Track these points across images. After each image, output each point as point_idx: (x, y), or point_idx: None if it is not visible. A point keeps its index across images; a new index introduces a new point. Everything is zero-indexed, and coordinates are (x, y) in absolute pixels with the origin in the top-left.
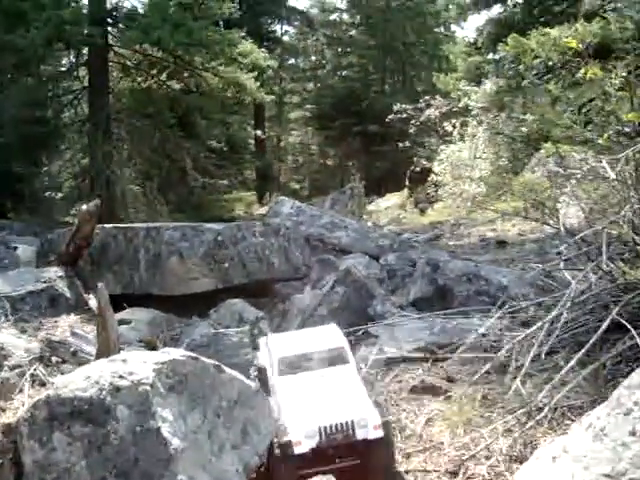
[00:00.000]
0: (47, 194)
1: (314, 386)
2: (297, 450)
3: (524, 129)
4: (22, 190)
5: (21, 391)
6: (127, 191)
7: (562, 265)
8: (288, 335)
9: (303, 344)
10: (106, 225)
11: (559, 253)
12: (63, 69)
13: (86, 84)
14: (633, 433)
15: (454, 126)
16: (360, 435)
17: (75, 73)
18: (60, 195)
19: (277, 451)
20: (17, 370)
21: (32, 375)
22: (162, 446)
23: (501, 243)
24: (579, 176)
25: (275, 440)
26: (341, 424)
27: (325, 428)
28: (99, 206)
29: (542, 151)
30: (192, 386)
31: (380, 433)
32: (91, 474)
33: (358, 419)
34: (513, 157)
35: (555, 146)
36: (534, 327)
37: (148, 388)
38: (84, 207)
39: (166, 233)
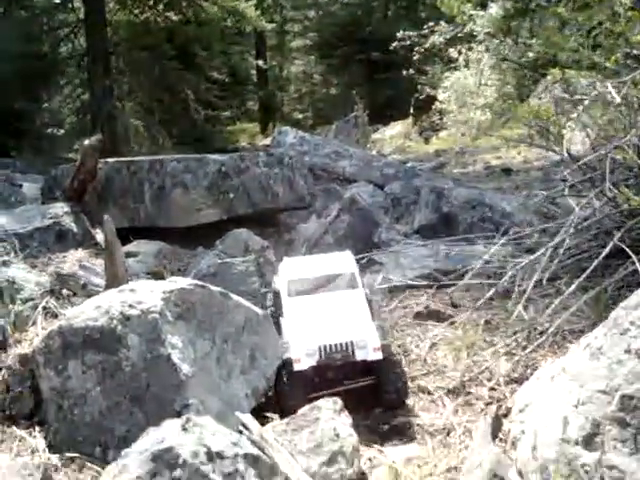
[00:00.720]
0: (49, 131)
1: (320, 308)
2: (297, 367)
3: (531, 54)
4: (24, 128)
5: (34, 323)
6: (129, 125)
7: (566, 192)
8: (302, 259)
9: (314, 267)
10: (109, 159)
11: (564, 180)
12: (57, 1)
13: (82, 17)
14: (628, 351)
15: (459, 52)
16: (359, 356)
17: (70, 5)
18: (62, 131)
19: (283, 371)
20: (29, 303)
21: (44, 308)
22: (172, 372)
23: (506, 171)
24: (586, 102)
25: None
26: (340, 344)
27: (325, 347)
28: (101, 140)
29: (549, 77)
30: (200, 313)
31: (379, 355)
32: (106, 399)
33: (357, 340)
34: (519, 83)
35: (562, 71)
36: (537, 253)
37: (157, 316)
38: (86, 142)
39: (170, 165)
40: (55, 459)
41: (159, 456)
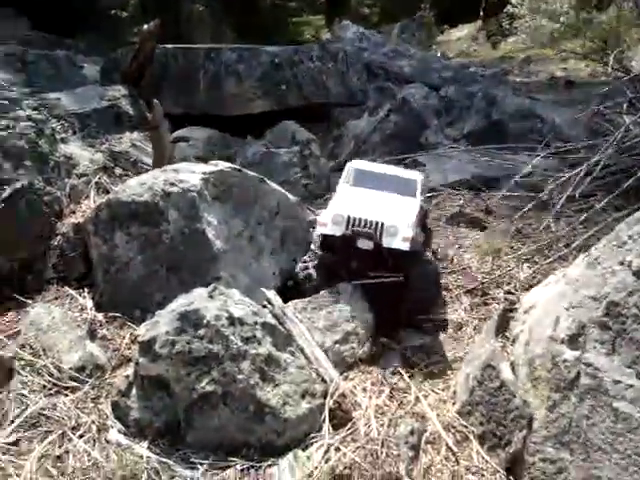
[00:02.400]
0: (112, 12)
1: (372, 198)
2: (320, 230)
3: None
4: (87, 9)
5: (87, 197)
6: (194, 11)
7: (624, 109)
8: (372, 163)
9: (382, 168)
10: (168, 45)
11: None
12: None
13: None
14: (622, 263)
15: None
16: (386, 242)
17: None
18: (125, 14)
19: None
20: (84, 178)
21: (97, 183)
22: (207, 246)
23: (569, 83)
24: None
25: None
26: (370, 221)
27: (354, 219)
28: (158, 25)
29: None
30: (236, 195)
31: (406, 246)
32: (146, 267)
33: (388, 224)
34: None
35: None
36: (578, 169)
37: (195, 195)
38: (145, 26)
39: (225, 55)
40: (100, 316)
41: (186, 316)
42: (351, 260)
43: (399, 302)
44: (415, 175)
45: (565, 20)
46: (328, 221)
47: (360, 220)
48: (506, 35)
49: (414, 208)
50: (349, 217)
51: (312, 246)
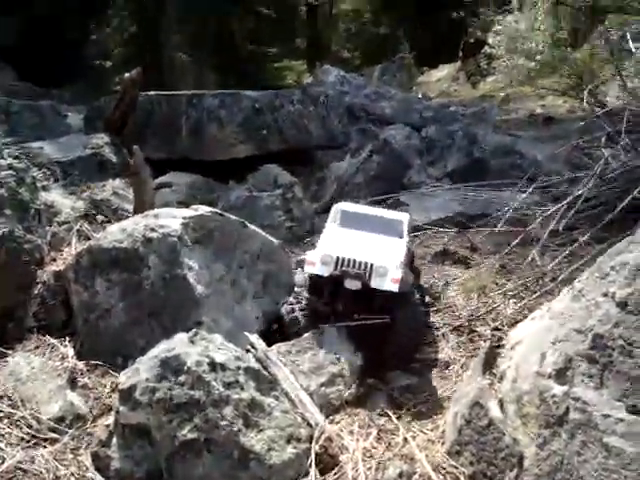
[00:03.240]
0: (97, 62)
1: (359, 239)
2: (307, 269)
3: None
4: (71, 58)
5: (69, 244)
6: (176, 59)
7: (603, 142)
8: (360, 205)
9: (368, 209)
10: (150, 92)
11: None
12: None
13: None
14: (605, 294)
15: None
16: (375, 283)
17: None
18: (109, 63)
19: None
20: (65, 226)
21: (78, 230)
22: (188, 291)
23: (548, 119)
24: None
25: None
26: (359, 262)
27: (342, 260)
28: (141, 73)
29: (606, 22)
30: (217, 239)
31: (396, 287)
32: (127, 314)
33: (378, 265)
34: (574, 30)
35: (622, 17)
36: (560, 203)
37: (176, 239)
38: (127, 75)
39: (206, 100)
40: (81, 365)
41: (166, 362)
42: (338, 301)
43: (386, 344)
44: (401, 216)
45: (541, 58)
46: (317, 261)
47: (349, 260)
48: (485, 75)
49: (401, 249)
50: (338, 257)
51: (296, 288)
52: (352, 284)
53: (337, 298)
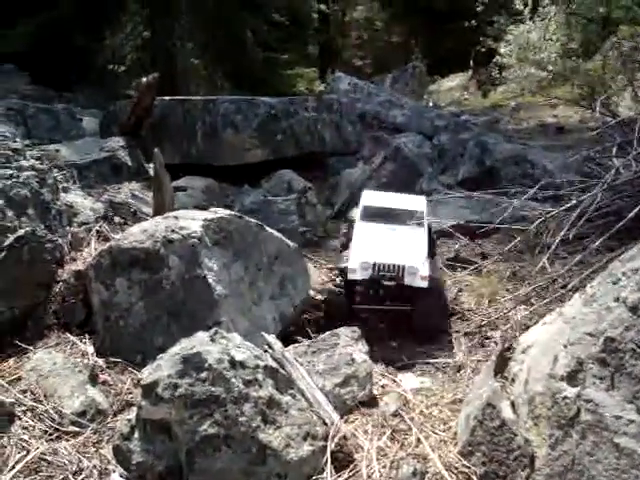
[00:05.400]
0: (110, 67)
1: (385, 233)
2: (351, 276)
3: (602, 9)
4: (86, 64)
5: (88, 244)
6: (188, 64)
7: (614, 152)
8: (381, 193)
9: (389, 200)
10: (165, 97)
11: (612, 141)
12: None
13: None
14: (617, 299)
15: (525, 4)
16: (407, 281)
17: None
18: (123, 68)
19: (338, 279)
20: (84, 226)
21: (97, 231)
22: (207, 291)
23: (559, 129)
24: None
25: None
26: (393, 265)
27: (379, 265)
28: (157, 78)
29: (618, 34)
30: (236, 241)
31: (425, 284)
32: (147, 313)
33: (409, 266)
34: (586, 40)
35: (634, 28)
36: (571, 211)
37: (196, 241)
38: (144, 80)
39: (222, 106)
40: (101, 362)
41: (188, 359)
42: (378, 290)
43: (411, 324)
44: (420, 204)
45: (553, 68)
46: (357, 268)
47: (385, 265)
48: (496, 84)
49: (424, 239)
50: (375, 263)
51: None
52: (388, 282)
53: (377, 290)
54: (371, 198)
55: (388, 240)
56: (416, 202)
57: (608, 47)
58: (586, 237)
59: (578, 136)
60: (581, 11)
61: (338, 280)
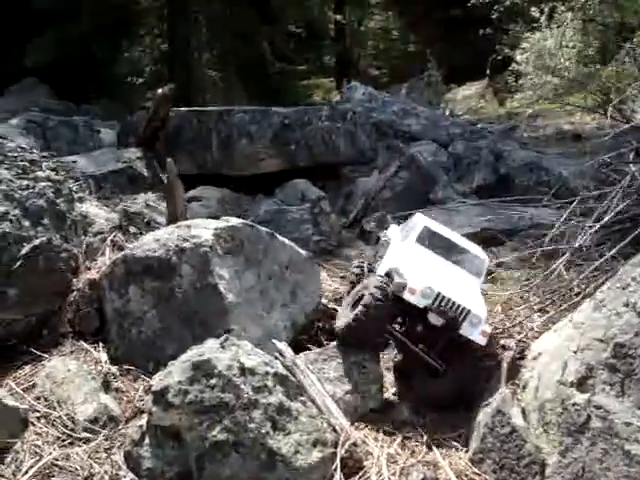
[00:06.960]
0: (128, 79)
1: (447, 268)
2: (407, 296)
3: (616, 15)
4: (104, 76)
5: (103, 254)
6: (206, 76)
7: (630, 158)
8: (439, 224)
9: (449, 233)
10: (181, 108)
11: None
12: None
13: None
14: (626, 304)
15: (541, 12)
16: (464, 329)
17: None
18: (140, 80)
19: (389, 288)
20: (99, 236)
21: (112, 241)
22: (219, 300)
23: (576, 136)
24: None
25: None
26: (458, 305)
27: (443, 297)
28: (173, 89)
29: (635, 40)
30: (248, 250)
31: (484, 342)
32: (160, 321)
33: (474, 313)
34: (602, 47)
35: None
36: (587, 218)
37: (208, 249)
38: (160, 91)
39: (236, 116)
40: (114, 369)
41: (198, 366)
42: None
43: (434, 386)
44: (483, 254)
45: (569, 75)
46: (418, 291)
47: (448, 301)
48: (512, 92)
49: (480, 293)
50: (439, 294)
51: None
52: (436, 319)
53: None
54: (432, 224)
55: (450, 276)
56: (480, 251)
57: (624, 54)
58: (602, 244)
59: (595, 143)
60: (597, 17)
61: (379, 293)
